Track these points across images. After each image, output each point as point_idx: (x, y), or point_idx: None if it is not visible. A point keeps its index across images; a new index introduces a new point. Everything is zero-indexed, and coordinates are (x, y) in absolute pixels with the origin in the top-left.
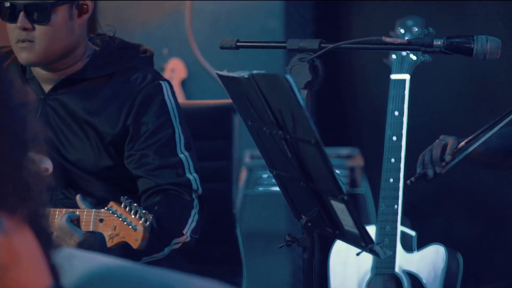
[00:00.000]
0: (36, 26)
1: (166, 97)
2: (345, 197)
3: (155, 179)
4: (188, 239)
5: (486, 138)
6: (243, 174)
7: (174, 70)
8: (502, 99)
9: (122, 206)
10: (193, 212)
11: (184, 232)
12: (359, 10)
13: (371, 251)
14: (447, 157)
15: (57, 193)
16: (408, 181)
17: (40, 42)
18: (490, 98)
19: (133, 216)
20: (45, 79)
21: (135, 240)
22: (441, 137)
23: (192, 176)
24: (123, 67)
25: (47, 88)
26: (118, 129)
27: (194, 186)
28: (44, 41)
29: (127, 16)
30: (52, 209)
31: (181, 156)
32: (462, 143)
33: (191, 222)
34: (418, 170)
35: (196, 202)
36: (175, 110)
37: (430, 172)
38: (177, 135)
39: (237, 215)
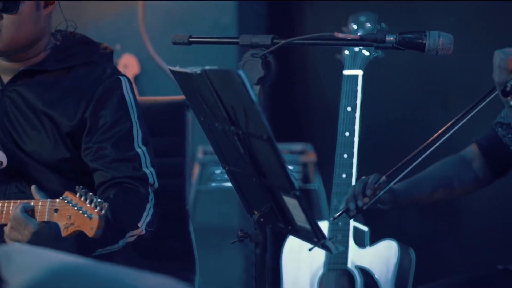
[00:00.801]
0: (4, 15)
1: (124, 92)
2: (297, 193)
3: (111, 172)
4: (143, 232)
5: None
6: (196, 170)
7: (127, 66)
8: (454, 94)
9: (77, 195)
10: (148, 206)
11: (139, 225)
12: (312, 6)
13: (323, 246)
14: (368, 191)
15: (11, 187)
16: (331, 218)
17: (7, 31)
18: (442, 94)
19: (88, 205)
20: (4, 70)
21: (91, 228)
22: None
23: (148, 170)
24: (83, 61)
25: (6, 79)
26: (76, 121)
27: (151, 180)
28: (11, 30)
29: (80, 11)
30: (6, 201)
31: (138, 150)
32: (383, 177)
33: (146, 216)
34: (341, 206)
35: (151, 196)
36: (133, 105)
37: (351, 206)
38: (134, 130)
39: (190, 211)
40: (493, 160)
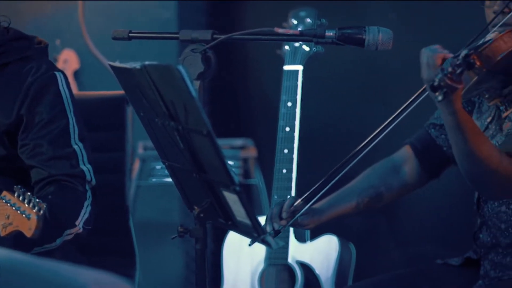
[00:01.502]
0: None
1: (60, 88)
2: (237, 188)
3: (48, 170)
4: (81, 230)
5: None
6: (136, 165)
7: (67, 61)
8: (394, 89)
9: (15, 195)
10: (86, 204)
11: (77, 223)
12: (252, 1)
13: (263, 241)
14: (283, 214)
15: None
16: (249, 244)
17: None
18: (383, 89)
19: (26, 205)
20: None
21: (29, 229)
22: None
23: (85, 167)
24: (17, 57)
25: None
26: (12, 119)
27: (88, 177)
28: None
29: (20, 7)
30: None
31: (75, 147)
32: (299, 201)
33: (84, 214)
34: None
35: (89, 193)
36: (70, 101)
37: (268, 228)
38: (71, 126)
39: (130, 206)
40: (427, 162)
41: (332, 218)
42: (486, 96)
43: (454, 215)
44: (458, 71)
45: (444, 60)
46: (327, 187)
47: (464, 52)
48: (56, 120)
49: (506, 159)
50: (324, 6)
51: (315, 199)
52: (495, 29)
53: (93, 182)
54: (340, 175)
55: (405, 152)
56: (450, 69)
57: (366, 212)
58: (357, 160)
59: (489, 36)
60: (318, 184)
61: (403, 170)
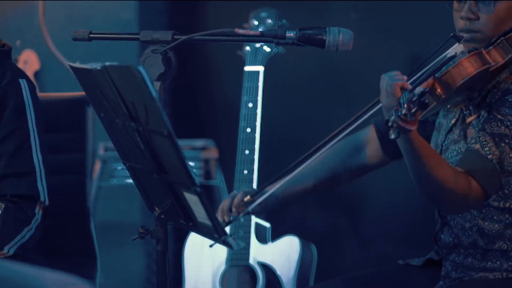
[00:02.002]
0: None
1: (24, 97)
2: (198, 189)
3: (1, 189)
4: (8, 254)
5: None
6: (97, 166)
7: (27, 62)
8: (355, 90)
9: None
10: (27, 229)
11: (6, 248)
12: (213, 2)
13: (224, 242)
14: (233, 209)
15: None
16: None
17: None
18: (344, 89)
19: None
20: None
21: None
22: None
23: (41, 186)
24: None
25: None
26: None
27: (42, 198)
28: None
29: None
30: None
31: (35, 161)
32: (248, 197)
33: (21, 239)
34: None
35: (37, 217)
36: (32, 110)
37: (219, 219)
38: (32, 138)
39: (91, 207)
40: (389, 145)
41: (285, 202)
42: (448, 106)
43: (416, 215)
44: (413, 110)
45: (402, 88)
46: (277, 186)
47: (420, 90)
48: (17, 134)
49: (461, 179)
50: (285, 6)
51: (264, 196)
52: (457, 46)
53: (46, 202)
54: (291, 174)
55: (369, 132)
56: (404, 110)
57: (338, 197)
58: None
59: (452, 52)
60: (269, 181)
61: (364, 151)
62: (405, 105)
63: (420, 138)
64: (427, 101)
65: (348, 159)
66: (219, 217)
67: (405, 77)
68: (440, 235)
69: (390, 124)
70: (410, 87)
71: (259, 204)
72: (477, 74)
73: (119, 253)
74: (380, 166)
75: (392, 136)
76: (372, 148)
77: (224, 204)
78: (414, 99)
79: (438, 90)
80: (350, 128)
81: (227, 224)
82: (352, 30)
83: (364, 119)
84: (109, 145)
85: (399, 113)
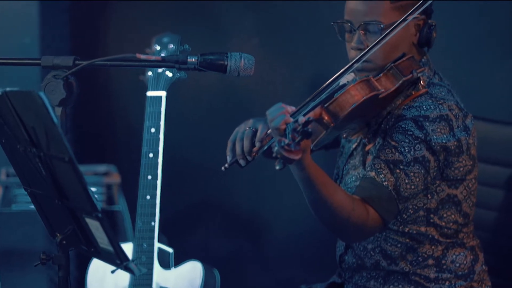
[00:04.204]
0: None
1: None
2: (99, 215)
3: None
4: None
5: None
6: None
7: None
8: (257, 115)
9: None
10: None
11: None
12: (116, 26)
13: (126, 268)
14: (257, 144)
15: None
16: (223, 168)
17: None
18: (246, 114)
19: None
20: None
21: None
22: (250, 121)
23: None
24: None
25: None
26: None
27: None
28: None
29: None
30: None
31: None
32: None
33: None
34: (229, 158)
35: None
36: None
37: (242, 162)
38: None
39: None
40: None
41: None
42: (344, 135)
43: (321, 238)
44: (297, 140)
45: (287, 123)
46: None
47: (303, 119)
48: None
49: (359, 207)
50: (188, 32)
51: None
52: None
53: None
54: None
55: None
56: (287, 141)
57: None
58: None
59: (344, 80)
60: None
61: None
62: (290, 135)
63: (315, 165)
64: (310, 130)
65: None
66: (241, 160)
67: (289, 109)
68: (344, 257)
69: (274, 155)
70: (291, 120)
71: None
72: (365, 101)
73: (21, 279)
74: None
75: (277, 167)
76: None
77: (245, 144)
78: (298, 129)
79: (326, 118)
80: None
81: (248, 163)
82: (254, 55)
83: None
84: (11, 170)
85: (282, 144)
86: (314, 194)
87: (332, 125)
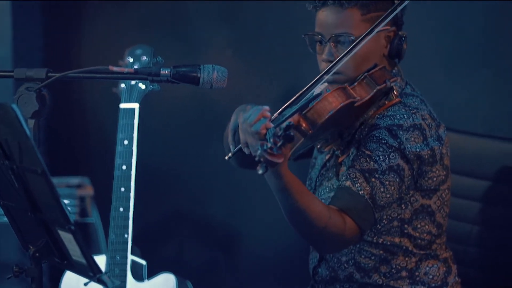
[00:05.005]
0: None
1: None
2: (72, 227)
3: None
4: None
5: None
6: None
7: None
8: None
9: None
10: None
11: None
12: (89, 38)
13: (99, 280)
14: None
15: None
16: (226, 157)
17: None
18: (219, 126)
19: None
20: None
21: None
22: (249, 107)
23: None
24: None
25: None
26: None
27: None
28: None
29: None
30: None
31: None
32: (275, 115)
33: None
34: (232, 147)
35: None
36: None
37: (246, 150)
38: None
39: None
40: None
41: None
42: (318, 146)
43: (294, 251)
44: (279, 144)
45: (267, 128)
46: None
47: (285, 123)
48: None
49: (335, 216)
50: (161, 44)
51: (296, 107)
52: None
53: None
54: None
55: None
56: (270, 144)
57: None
58: None
59: (318, 90)
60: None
61: None
62: (271, 140)
63: (291, 174)
64: (292, 134)
65: None
66: (245, 146)
67: (267, 113)
68: (318, 269)
69: (257, 158)
70: (272, 126)
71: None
72: (342, 108)
73: None
74: None
75: (260, 171)
76: None
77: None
78: (279, 133)
79: (304, 125)
80: None
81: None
82: (227, 67)
83: None
84: None
85: (265, 147)
86: (291, 203)
87: (310, 132)
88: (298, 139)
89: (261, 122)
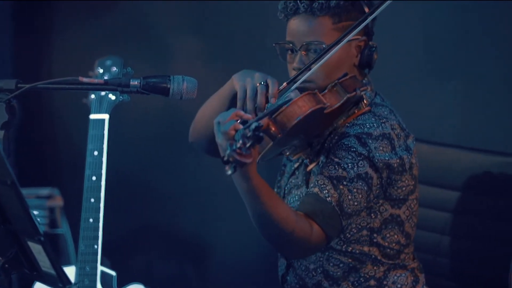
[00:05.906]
0: None
1: None
2: (42, 238)
3: None
4: None
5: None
6: None
7: None
8: None
9: None
10: None
11: None
12: (58, 49)
13: None
14: (271, 101)
15: None
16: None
17: None
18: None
19: None
20: None
21: None
22: (257, 74)
23: None
24: None
25: None
26: None
27: None
28: None
29: None
30: None
31: None
32: (284, 85)
33: None
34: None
35: None
36: None
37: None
38: None
39: None
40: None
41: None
42: (287, 153)
43: (263, 259)
44: (248, 144)
45: (235, 129)
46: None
47: (254, 124)
48: None
49: (302, 221)
50: (131, 54)
51: (301, 79)
52: (293, 88)
53: None
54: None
55: None
56: (239, 144)
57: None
58: None
59: (288, 97)
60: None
61: None
62: (240, 140)
63: (259, 177)
64: (261, 134)
65: None
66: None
67: (242, 115)
68: (286, 277)
69: (226, 158)
70: (241, 127)
71: None
72: (311, 113)
73: None
74: None
75: (229, 172)
76: None
77: (259, 100)
78: (248, 134)
79: (273, 129)
80: None
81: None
82: (197, 77)
83: None
84: None
85: (234, 147)
86: (258, 206)
87: (279, 135)
88: (267, 142)
89: (231, 122)
